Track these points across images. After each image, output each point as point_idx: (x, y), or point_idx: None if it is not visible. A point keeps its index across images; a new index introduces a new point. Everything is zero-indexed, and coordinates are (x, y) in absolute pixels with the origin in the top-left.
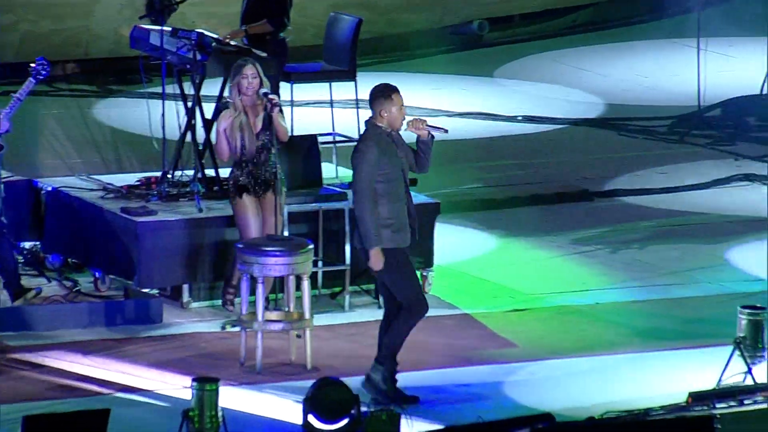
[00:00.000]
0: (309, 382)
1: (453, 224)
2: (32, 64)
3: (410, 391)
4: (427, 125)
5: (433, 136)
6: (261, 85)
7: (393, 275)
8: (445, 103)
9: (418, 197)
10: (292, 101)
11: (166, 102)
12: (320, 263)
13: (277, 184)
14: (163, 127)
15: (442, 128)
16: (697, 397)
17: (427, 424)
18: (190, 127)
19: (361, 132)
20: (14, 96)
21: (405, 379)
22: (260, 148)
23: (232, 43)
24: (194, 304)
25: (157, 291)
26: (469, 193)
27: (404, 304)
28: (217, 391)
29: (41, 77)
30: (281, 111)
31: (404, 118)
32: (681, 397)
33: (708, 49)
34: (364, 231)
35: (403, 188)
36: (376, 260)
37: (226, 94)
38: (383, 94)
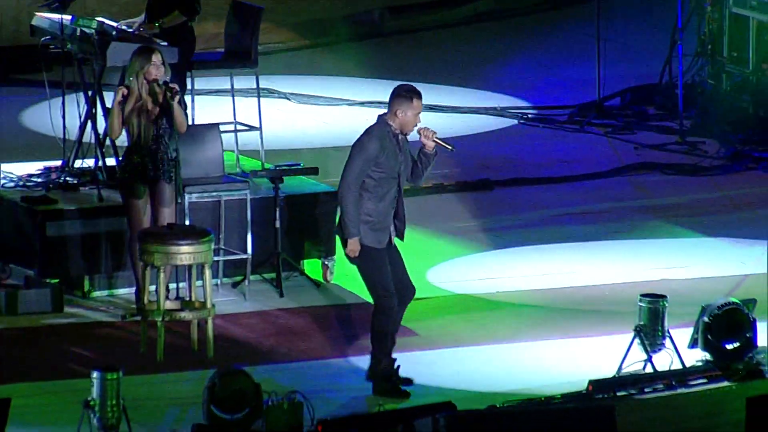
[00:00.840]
0: (210, 372)
1: None
2: None
3: (309, 380)
4: (436, 138)
5: (436, 152)
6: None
7: (364, 271)
8: (346, 92)
9: (319, 186)
10: (192, 90)
11: (67, 91)
12: (222, 252)
13: (177, 173)
14: (63, 117)
15: (449, 147)
16: (597, 385)
17: (328, 413)
18: (91, 116)
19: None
20: None
21: (305, 368)
22: (156, 136)
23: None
24: (95, 293)
25: (57, 280)
26: None
27: (374, 301)
28: (118, 380)
29: None
30: (180, 102)
31: (417, 125)
32: (582, 385)
33: (608, 38)
34: (346, 220)
35: (394, 191)
36: (353, 249)
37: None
38: (405, 95)
